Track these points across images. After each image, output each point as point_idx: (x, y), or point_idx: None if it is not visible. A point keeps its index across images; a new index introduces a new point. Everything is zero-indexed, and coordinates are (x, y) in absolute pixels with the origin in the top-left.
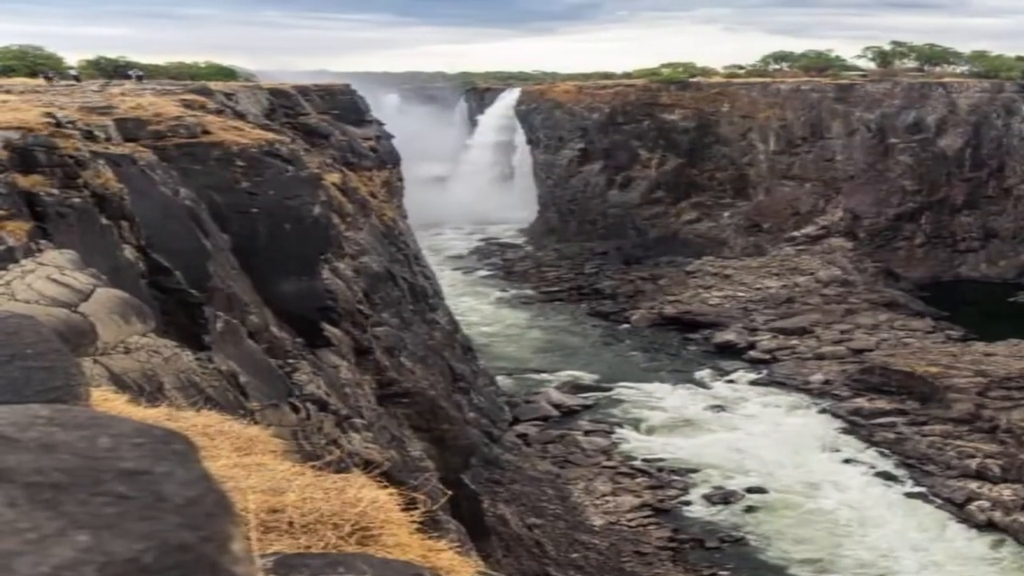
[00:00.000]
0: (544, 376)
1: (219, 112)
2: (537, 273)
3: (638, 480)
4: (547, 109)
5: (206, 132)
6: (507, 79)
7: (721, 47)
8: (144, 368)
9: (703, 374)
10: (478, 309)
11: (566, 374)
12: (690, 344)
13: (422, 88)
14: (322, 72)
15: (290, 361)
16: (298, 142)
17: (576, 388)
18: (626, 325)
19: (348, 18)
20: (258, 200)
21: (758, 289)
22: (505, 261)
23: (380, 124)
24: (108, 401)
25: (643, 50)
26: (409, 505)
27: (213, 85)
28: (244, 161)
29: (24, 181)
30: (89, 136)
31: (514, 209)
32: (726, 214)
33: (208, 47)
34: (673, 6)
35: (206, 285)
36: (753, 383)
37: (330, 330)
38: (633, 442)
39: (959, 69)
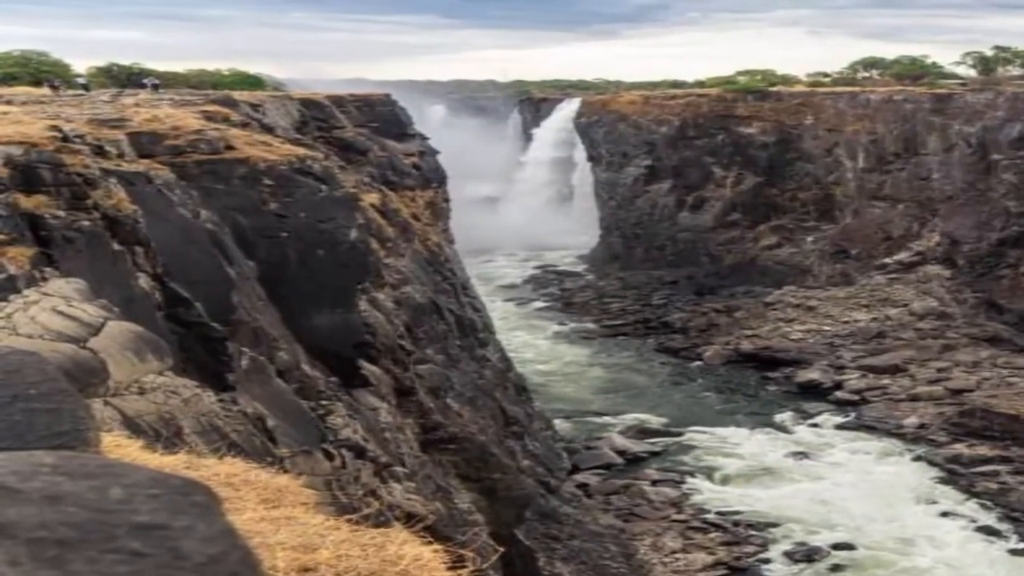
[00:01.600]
0: (607, 419)
1: (244, 125)
2: (599, 305)
3: (711, 535)
4: (610, 122)
5: (230, 147)
6: (565, 88)
7: (804, 52)
8: (161, 410)
9: (784, 417)
10: (533, 345)
11: (631, 417)
12: (769, 384)
13: (471, 98)
14: (359, 80)
15: (323, 403)
16: (332, 159)
17: (642, 433)
18: (698, 363)
19: (388, 20)
20: (288, 223)
21: (845, 322)
22: (563, 291)
23: (424, 138)
24: (121, 447)
25: (717, 56)
26: (456, 563)
27: (237, 95)
28: (272, 180)
29: (27, 202)
30: (99, 152)
31: (573, 233)
32: (809, 239)
33: (232, 53)
34: (751, 7)
35: (230, 318)
36: (840, 427)
37: (368, 368)
38: (706, 493)
39: None
